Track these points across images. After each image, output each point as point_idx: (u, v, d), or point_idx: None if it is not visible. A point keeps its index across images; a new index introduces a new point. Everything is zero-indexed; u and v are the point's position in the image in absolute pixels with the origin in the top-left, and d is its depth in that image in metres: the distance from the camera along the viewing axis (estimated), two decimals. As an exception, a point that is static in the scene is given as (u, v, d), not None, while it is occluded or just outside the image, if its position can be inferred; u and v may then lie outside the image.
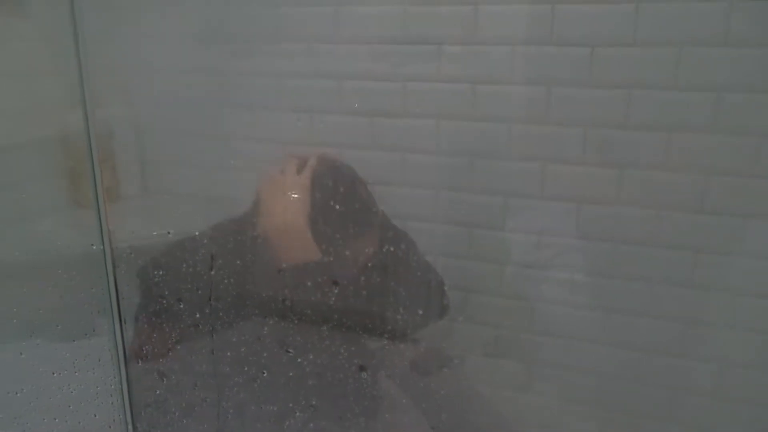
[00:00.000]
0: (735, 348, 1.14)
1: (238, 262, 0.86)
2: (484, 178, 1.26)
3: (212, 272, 0.81)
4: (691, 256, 1.14)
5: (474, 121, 1.24)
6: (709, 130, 1.07)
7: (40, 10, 1.26)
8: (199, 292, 0.83)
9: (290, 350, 0.78)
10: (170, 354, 0.93)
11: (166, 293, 0.85)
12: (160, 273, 0.89)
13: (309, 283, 0.79)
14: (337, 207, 0.86)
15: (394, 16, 1.23)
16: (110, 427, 0.90)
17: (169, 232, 1.04)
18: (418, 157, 1.30)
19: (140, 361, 0.99)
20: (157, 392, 0.81)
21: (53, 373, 1.00)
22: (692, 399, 1.19)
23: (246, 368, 0.79)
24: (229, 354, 0.81)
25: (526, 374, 1.32)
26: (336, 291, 0.80)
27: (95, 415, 0.94)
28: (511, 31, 1.16)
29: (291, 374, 0.78)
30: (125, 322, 0.84)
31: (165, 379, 0.81)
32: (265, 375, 0.79)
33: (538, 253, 1.25)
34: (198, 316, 0.82)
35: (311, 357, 0.78)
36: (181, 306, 0.84)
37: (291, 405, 0.80)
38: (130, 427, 0.76)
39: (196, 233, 0.95)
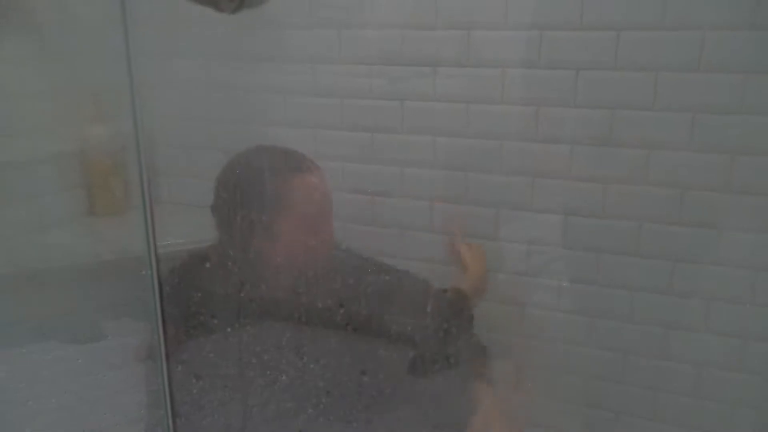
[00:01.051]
0: (710, 350, 1.18)
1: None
2: (477, 190, 1.30)
3: (242, 294, 0.87)
4: (670, 265, 1.18)
5: (467, 137, 1.27)
6: (686, 148, 1.12)
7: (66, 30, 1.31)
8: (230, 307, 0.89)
9: (304, 357, 0.85)
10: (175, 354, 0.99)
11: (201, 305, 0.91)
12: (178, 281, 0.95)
13: (320, 305, 0.86)
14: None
15: (393, 39, 1.27)
16: (154, 419, 0.98)
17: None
18: (416, 170, 1.34)
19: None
20: (194, 391, 0.87)
21: (107, 373, 1.07)
22: (671, 398, 1.23)
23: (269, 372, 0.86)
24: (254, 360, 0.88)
25: (518, 375, 1.35)
26: (341, 311, 0.87)
27: (142, 411, 1.01)
28: (501, 55, 1.20)
29: (304, 376, 0.85)
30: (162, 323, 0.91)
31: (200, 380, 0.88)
32: (284, 378, 0.86)
33: (527, 261, 1.29)
34: (230, 330, 0.88)
35: (322, 361, 0.85)
36: (210, 314, 0.91)
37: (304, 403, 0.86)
38: (170, 421, 0.82)
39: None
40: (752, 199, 1.10)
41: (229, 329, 0.88)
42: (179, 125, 1.48)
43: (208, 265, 0.92)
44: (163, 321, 0.78)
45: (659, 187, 1.16)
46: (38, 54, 1.34)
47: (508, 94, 1.23)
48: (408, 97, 1.30)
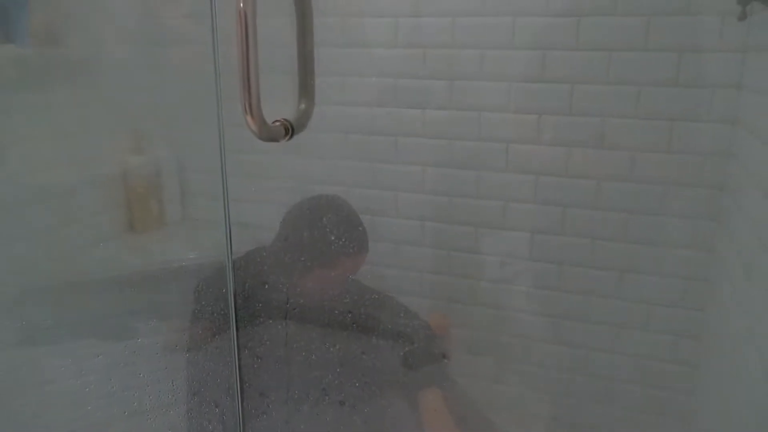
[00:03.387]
0: (651, 346, 1.39)
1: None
2: (460, 212, 1.50)
3: (287, 305, 1.13)
4: (618, 275, 1.39)
5: (451, 168, 1.48)
6: (628, 179, 1.33)
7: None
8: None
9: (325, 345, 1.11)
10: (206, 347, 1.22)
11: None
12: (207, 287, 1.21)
13: (337, 311, 1.13)
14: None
15: (387, 86, 1.48)
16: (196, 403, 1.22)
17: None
18: (408, 195, 1.54)
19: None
20: (255, 366, 1.12)
21: (143, 365, 1.28)
22: (621, 386, 1.43)
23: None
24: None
25: (497, 369, 1.55)
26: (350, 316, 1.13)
27: (183, 396, 1.24)
28: (478, 101, 1.41)
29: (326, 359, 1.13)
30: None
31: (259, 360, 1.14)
32: (313, 357, 1.14)
33: (502, 272, 1.50)
34: (279, 327, 1.13)
35: (337, 346, 1.12)
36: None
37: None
38: (239, 385, 1.03)
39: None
40: (681, 221, 1.32)
41: (279, 326, 1.13)
42: (205, 153, 1.68)
43: (266, 286, 1.18)
44: (236, 318, 1.01)
45: (608, 211, 1.37)
46: (89, 96, 1.55)
47: (483, 133, 1.44)
48: (401, 134, 1.51)
